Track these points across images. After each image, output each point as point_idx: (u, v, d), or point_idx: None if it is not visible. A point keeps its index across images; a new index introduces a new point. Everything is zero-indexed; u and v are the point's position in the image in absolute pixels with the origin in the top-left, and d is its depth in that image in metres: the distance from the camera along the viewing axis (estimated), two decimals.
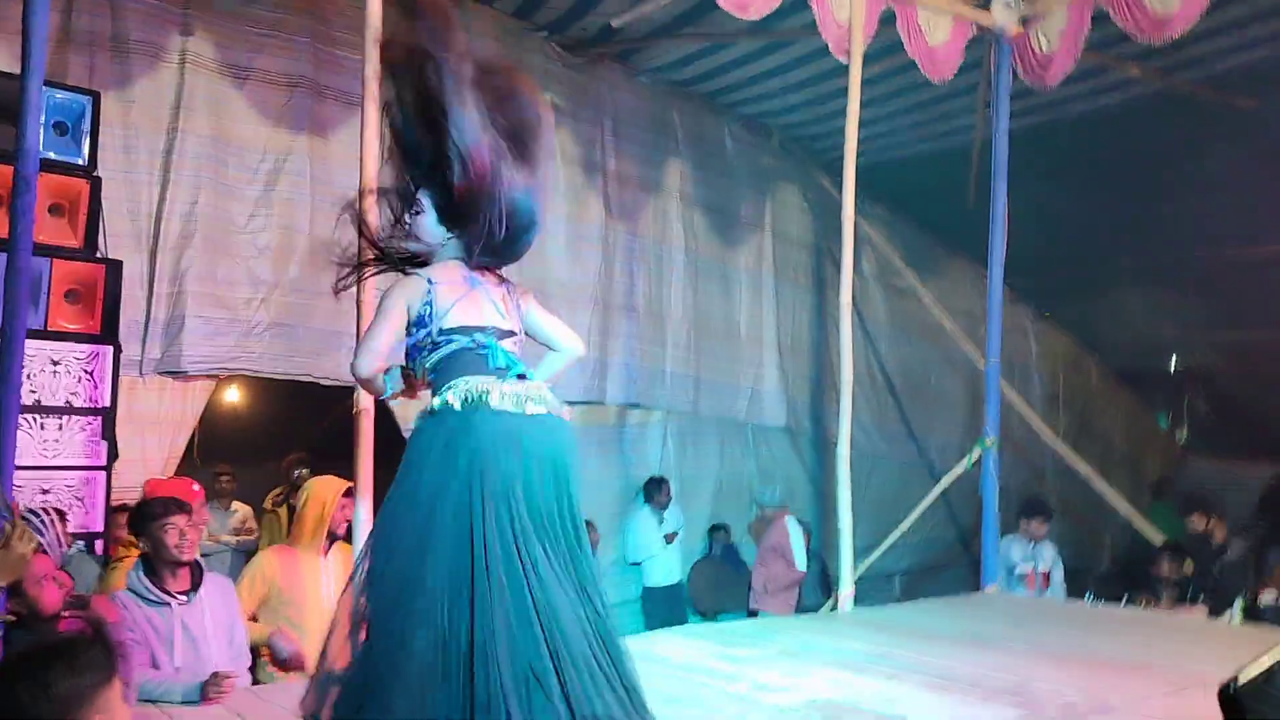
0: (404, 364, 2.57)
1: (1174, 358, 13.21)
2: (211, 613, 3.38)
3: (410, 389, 2.59)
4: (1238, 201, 8.15)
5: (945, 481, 7.12)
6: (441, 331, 2.45)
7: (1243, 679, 0.53)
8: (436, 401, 2.39)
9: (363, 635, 2.31)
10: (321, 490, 4.01)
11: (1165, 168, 8.02)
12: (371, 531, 2.49)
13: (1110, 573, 8.85)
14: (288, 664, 3.70)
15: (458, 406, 2.35)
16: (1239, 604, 5.46)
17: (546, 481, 2.39)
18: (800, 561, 7.01)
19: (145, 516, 3.33)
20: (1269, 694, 0.54)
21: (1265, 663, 0.56)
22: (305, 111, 5.86)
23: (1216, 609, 5.45)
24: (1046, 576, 6.30)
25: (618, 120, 7.60)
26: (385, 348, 2.51)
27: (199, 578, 3.39)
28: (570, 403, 7.72)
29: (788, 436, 8.85)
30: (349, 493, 3.96)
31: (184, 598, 3.32)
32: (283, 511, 6.61)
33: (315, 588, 3.84)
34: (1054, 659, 3.91)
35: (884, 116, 7.61)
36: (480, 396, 2.35)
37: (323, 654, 2.38)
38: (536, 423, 2.41)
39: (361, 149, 4.17)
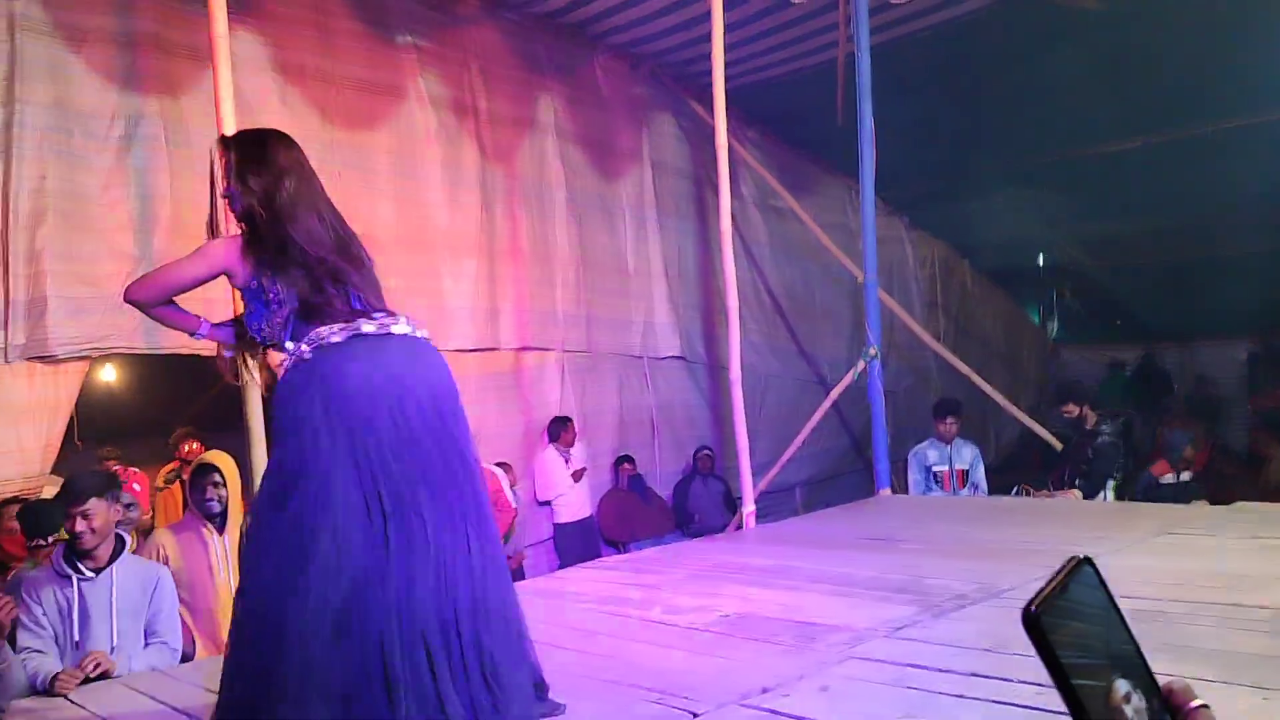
0: None
1: (1040, 255, 13.84)
2: (119, 592, 3.32)
3: None
4: (1089, 100, 8.52)
5: (835, 393, 7.38)
6: None
7: (1038, 599, 0.60)
8: None
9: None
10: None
11: (1021, 72, 8.30)
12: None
13: (998, 466, 9.33)
14: None
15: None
16: (1111, 484, 5.87)
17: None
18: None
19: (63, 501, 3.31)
20: (1064, 607, 0.62)
21: (1059, 578, 0.63)
22: (152, 71, 5.58)
23: (1090, 491, 5.84)
24: (963, 474, 6.34)
25: (485, 58, 7.45)
26: None
27: (116, 556, 3.35)
28: (464, 350, 7.71)
29: (683, 365, 9.00)
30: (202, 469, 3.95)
31: (90, 574, 3.28)
32: (176, 489, 6.45)
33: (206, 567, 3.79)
34: (945, 553, 4.16)
35: (749, 39, 7.65)
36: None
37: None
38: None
39: (217, 106, 4.01)
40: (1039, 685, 2.36)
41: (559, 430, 7.56)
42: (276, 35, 6.10)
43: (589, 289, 8.10)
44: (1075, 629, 0.65)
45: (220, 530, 3.93)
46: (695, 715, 2.41)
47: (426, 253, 6.94)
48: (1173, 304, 12.07)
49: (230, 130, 3.91)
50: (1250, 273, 9.94)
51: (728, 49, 5.66)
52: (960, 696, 2.39)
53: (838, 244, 8.58)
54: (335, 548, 2.09)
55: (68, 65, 5.28)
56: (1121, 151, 9.53)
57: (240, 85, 4.35)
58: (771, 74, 8.43)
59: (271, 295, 2.38)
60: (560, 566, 6.86)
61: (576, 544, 7.46)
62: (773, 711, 2.39)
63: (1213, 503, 5.36)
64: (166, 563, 3.79)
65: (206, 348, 5.59)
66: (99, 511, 3.28)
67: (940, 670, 2.59)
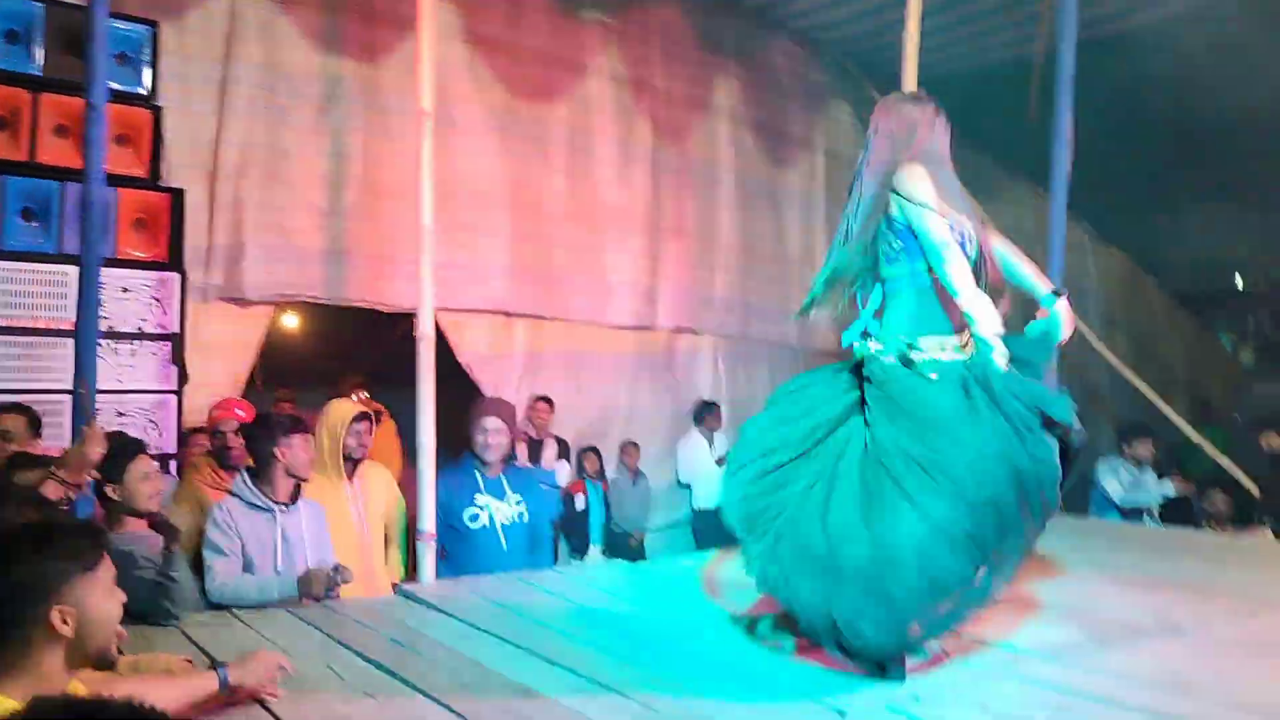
0: None
1: (1237, 277, 12.84)
2: (307, 524, 3.51)
3: None
4: None
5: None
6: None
7: None
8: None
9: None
10: (332, 415, 3.94)
11: (1232, 78, 7.65)
12: None
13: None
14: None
15: None
16: None
17: None
18: None
19: (273, 432, 3.47)
20: None
21: None
22: (353, 36, 5.83)
23: None
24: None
25: (666, 38, 7.46)
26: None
27: (298, 492, 3.53)
28: (621, 327, 7.78)
29: (838, 359, 8.81)
30: (360, 417, 3.92)
31: (284, 507, 3.46)
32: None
33: (337, 511, 3.81)
34: (1119, 581, 3.89)
35: (941, 28, 7.36)
36: None
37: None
38: None
39: (416, 72, 4.14)
40: None
41: (704, 414, 7.56)
42: (470, 5, 6.27)
43: (749, 275, 8.03)
44: None
45: (349, 476, 3.99)
46: (842, 714, 2.34)
47: (594, 227, 7.03)
48: None
49: (429, 94, 4.03)
50: None
51: (921, 36, 5.45)
52: None
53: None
54: None
55: (277, 26, 5.58)
56: None
57: (433, 53, 4.48)
58: (961, 65, 8.10)
59: None
60: (698, 550, 6.85)
61: (712, 530, 7.42)
62: None
63: None
64: None
65: (384, 302, 5.87)
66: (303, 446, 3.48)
67: (1113, 701, 2.43)
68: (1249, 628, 3.23)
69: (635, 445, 7.21)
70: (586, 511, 6.81)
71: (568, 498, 6.69)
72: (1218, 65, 7.60)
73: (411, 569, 4.11)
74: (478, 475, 4.06)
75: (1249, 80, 7.56)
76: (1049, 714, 2.36)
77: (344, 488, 3.89)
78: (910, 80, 5.34)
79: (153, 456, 4.32)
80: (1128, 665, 2.75)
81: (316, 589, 3.30)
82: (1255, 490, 6.10)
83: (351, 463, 3.92)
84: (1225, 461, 6.76)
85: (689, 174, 7.63)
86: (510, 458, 4.25)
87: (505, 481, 4.08)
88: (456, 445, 4.24)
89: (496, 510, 4.03)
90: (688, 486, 7.63)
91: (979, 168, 9.30)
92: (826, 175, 8.57)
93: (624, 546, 6.96)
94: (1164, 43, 7.43)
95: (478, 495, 4.02)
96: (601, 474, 7.07)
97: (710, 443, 7.54)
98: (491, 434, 4.05)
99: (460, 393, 5.52)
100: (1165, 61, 7.72)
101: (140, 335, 4.45)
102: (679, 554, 5.95)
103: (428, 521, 3.96)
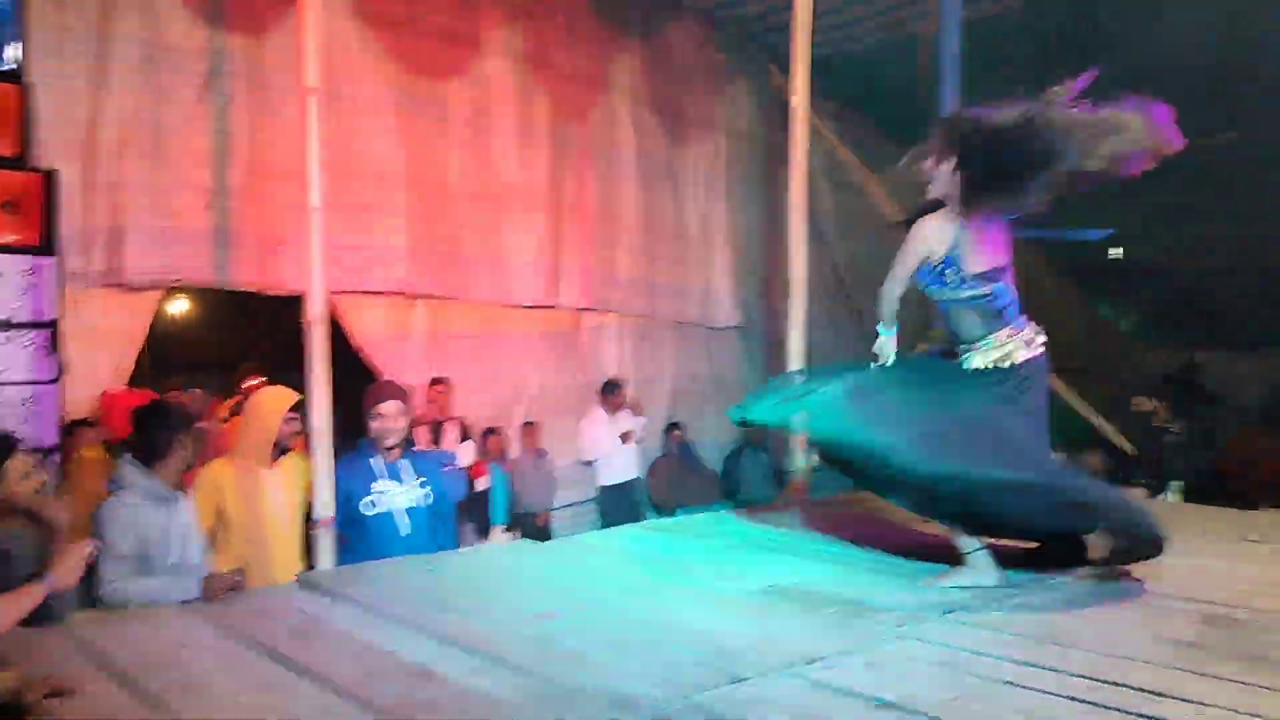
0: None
1: (1120, 251, 13.41)
2: (188, 514, 3.43)
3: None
4: (1191, 90, 8.06)
5: None
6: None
7: None
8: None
9: None
10: (267, 403, 3.92)
11: (1124, 56, 7.88)
12: None
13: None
14: None
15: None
16: (1177, 485, 5.70)
17: None
18: None
19: (176, 424, 3.38)
20: None
21: None
22: (238, 9, 5.64)
23: (1155, 489, 5.68)
24: None
25: (567, 15, 7.41)
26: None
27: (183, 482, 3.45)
28: (525, 306, 7.74)
29: (740, 336, 8.94)
30: (297, 406, 3.89)
31: (178, 496, 3.39)
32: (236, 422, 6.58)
33: (259, 500, 3.79)
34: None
35: (833, 8, 7.48)
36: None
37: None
38: None
39: (299, 49, 4.03)
40: (1097, 681, 2.32)
41: (608, 392, 7.60)
42: None
43: (652, 254, 8.08)
44: None
45: (272, 464, 3.91)
46: (739, 680, 2.40)
47: (495, 207, 6.97)
48: (1262, 310, 11.61)
49: (314, 69, 3.93)
50: None
51: (814, 16, 5.53)
52: (1013, 684, 2.35)
53: None
54: None
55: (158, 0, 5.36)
56: (1214, 146, 9.09)
57: (322, 29, 4.37)
58: (855, 46, 8.25)
59: None
60: (604, 528, 6.90)
61: (620, 506, 7.49)
62: (816, 683, 2.37)
63: None
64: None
65: (278, 287, 5.72)
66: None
67: (993, 656, 2.54)
68: (1120, 582, 3.41)
69: (535, 424, 7.21)
70: (489, 492, 6.79)
71: (470, 479, 6.65)
72: (1097, 42, 7.87)
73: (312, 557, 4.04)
74: (376, 461, 4.00)
75: (1125, 56, 7.84)
76: (935, 670, 2.46)
77: (267, 476, 3.85)
78: (803, 59, 5.41)
79: (32, 450, 4.19)
80: (1010, 621, 2.88)
81: (219, 591, 3.21)
82: (1130, 449, 6.44)
83: (279, 451, 3.87)
84: (1100, 423, 7.11)
85: (591, 153, 7.62)
86: (409, 442, 4.20)
87: (404, 466, 4.03)
88: (359, 432, 4.17)
89: (396, 496, 3.98)
90: (591, 464, 7.67)
91: (876, 146, 9.51)
92: (725, 154, 8.64)
93: (529, 526, 6.97)
94: (1044, 23, 7.67)
95: (376, 482, 3.97)
96: (505, 455, 7.05)
97: (613, 421, 7.58)
98: (387, 419, 4.00)
99: (367, 378, 5.44)
100: (1045, 40, 7.98)
101: (9, 325, 4.25)
102: (585, 532, 5.98)
103: (325, 509, 3.90)
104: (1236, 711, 2.14)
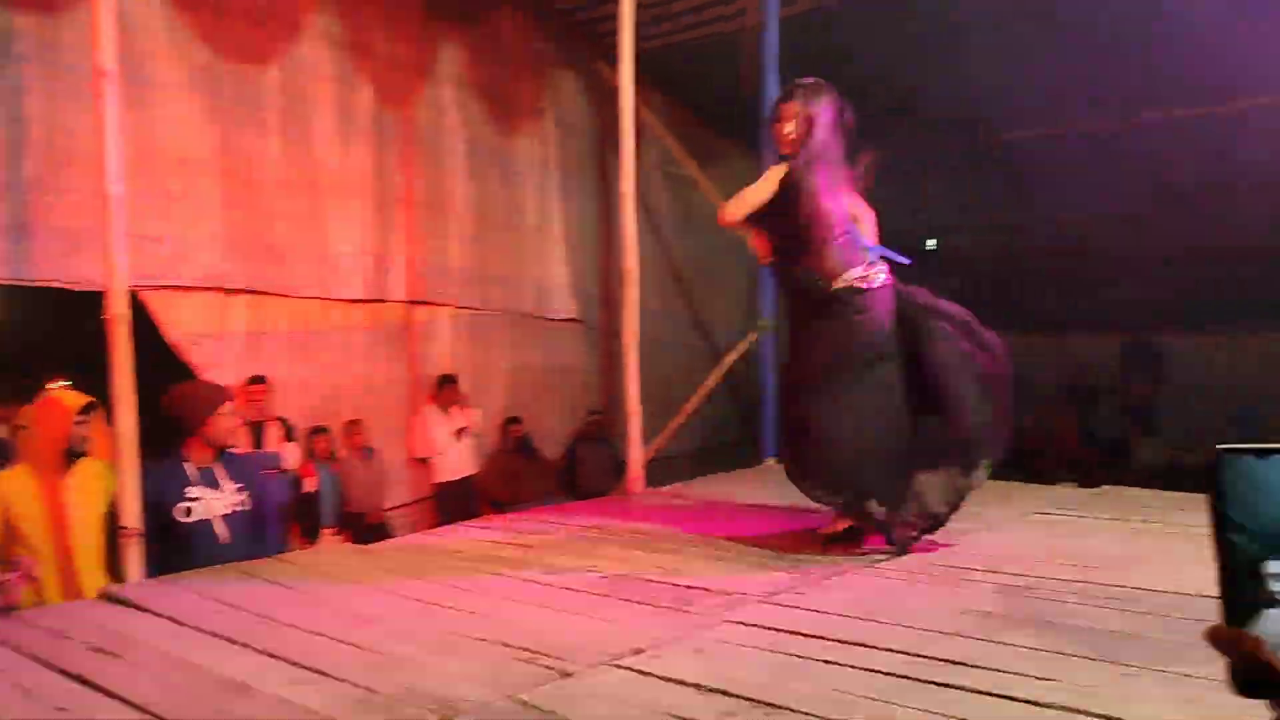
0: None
1: (928, 241, 14.14)
2: None
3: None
4: (994, 84, 8.42)
5: (726, 362, 7.46)
6: None
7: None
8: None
9: None
10: (58, 406, 3.67)
11: (942, 49, 8.14)
12: None
13: None
14: None
15: None
16: (986, 463, 6.05)
17: None
18: None
19: None
20: (1244, 470, 0.66)
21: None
22: None
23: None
24: None
25: (390, 1, 7.20)
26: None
27: None
28: (351, 301, 7.50)
29: (577, 327, 8.95)
30: (88, 408, 3.65)
31: None
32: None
33: (55, 510, 3.54)
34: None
35: (658, 1, 7.55)
36: None
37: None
38: None
39: (95, 28, 3.75)
40: (906, 654, 2.44)
41: (439, 388, 7.47)
42: None
43: (485, 245, 7.97)
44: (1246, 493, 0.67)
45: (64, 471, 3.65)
46: (567, 675, 2.40)
47: (315, 197, 6.71)
48: (1055, 295, 12.47)
49: (109, 52, 3.67)
50: (1130, 271, 10.36)
51: (638, 8, 5.57)
52: (830, 662, 2.44)
53: None
54: None
55: None
56: (1024, 139, 9.66)
57: (121, 7, 4.08)
58: (680, 39, 8.36)
59: None
60: (441, 525, 6.78)
61: (454, 503, 7.38)
62: (644, 672, 2.40)
63: (1081, 486, 5.61)
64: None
65: (80, 283, 5.31)
66: None
67: (812, 636, 2.64)
68: (940, 554, 3.62)
69: (358, 422, 7.01)
70: (317, 494, 6.56)
71: (298, 480, 6.40)
72: (909, 40, 8.19)
73: (115, 569, 3.78)
74: (189, 466, 3.78)
75: (934, 56, 8.22)
76: (759, 653, 2.53)
77: (62, 485, 3.60)
78: (627, 52, 5.44)
79: None
80: (828, 601, 3.00)
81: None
82: None
83: (73, 457, 3.63)
84: None
85: (416, 141, 7.43)
86: (224, 445, 3.99)
87: (219, 470, 3.83)
88: (171, 434, 3.93)
89: (212, 501, 3.78)
90: (425, 461, 7.52)
91: (703, 138, 9.70)
92: (557, 144, 8.61)
93: (359, 527, 6.78)
94: (857, 18, 7.91)
95: (190, 488, 3.75)
96: (333, 454, 6.82)
97: (447, 416, 7.46)
98: (226, 421, 3.79)
99: (182, 377, 5.14)
100: (861, 36, 8.26)
101: None
102: (421, 531, 5.86)
103: (132, 518, 3.66)
104: (1032, 677, 2.30)
